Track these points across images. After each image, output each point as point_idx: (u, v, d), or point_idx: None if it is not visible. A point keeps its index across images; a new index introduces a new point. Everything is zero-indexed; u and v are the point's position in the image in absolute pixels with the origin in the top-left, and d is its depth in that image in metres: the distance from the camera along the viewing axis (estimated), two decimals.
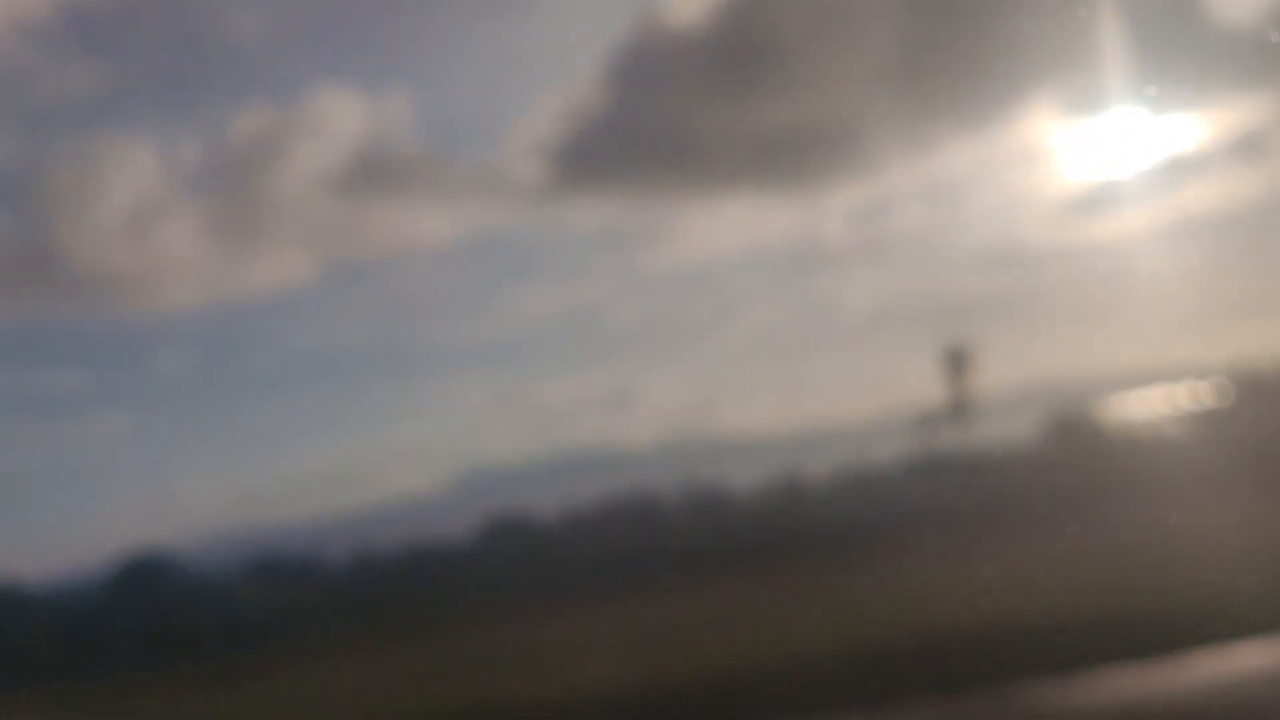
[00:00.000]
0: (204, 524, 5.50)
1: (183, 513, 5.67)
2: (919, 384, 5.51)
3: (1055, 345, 5.18)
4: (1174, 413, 5.24)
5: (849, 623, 4.64)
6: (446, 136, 6.38)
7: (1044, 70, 5.14)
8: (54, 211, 6.08)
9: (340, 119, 6.22)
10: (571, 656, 4.61)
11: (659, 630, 4.77)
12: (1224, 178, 5.51)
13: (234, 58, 6.04)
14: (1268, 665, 3.90)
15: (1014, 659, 4.07)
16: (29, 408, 5.86)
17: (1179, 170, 5.28)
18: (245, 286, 6.20)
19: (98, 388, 6.06)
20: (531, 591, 5.11)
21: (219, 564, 5.44)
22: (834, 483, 5.45)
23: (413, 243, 6.36)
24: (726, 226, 6.03)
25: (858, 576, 4.93)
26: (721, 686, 4.28)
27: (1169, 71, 4.97)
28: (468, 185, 6.36)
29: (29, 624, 5.30)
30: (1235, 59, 5.13)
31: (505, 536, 5.49)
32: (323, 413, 6.04)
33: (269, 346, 6.33)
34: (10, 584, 5.31)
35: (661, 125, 5.94)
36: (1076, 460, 5.29)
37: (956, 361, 5.20)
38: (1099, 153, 5.21)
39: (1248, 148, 5.59)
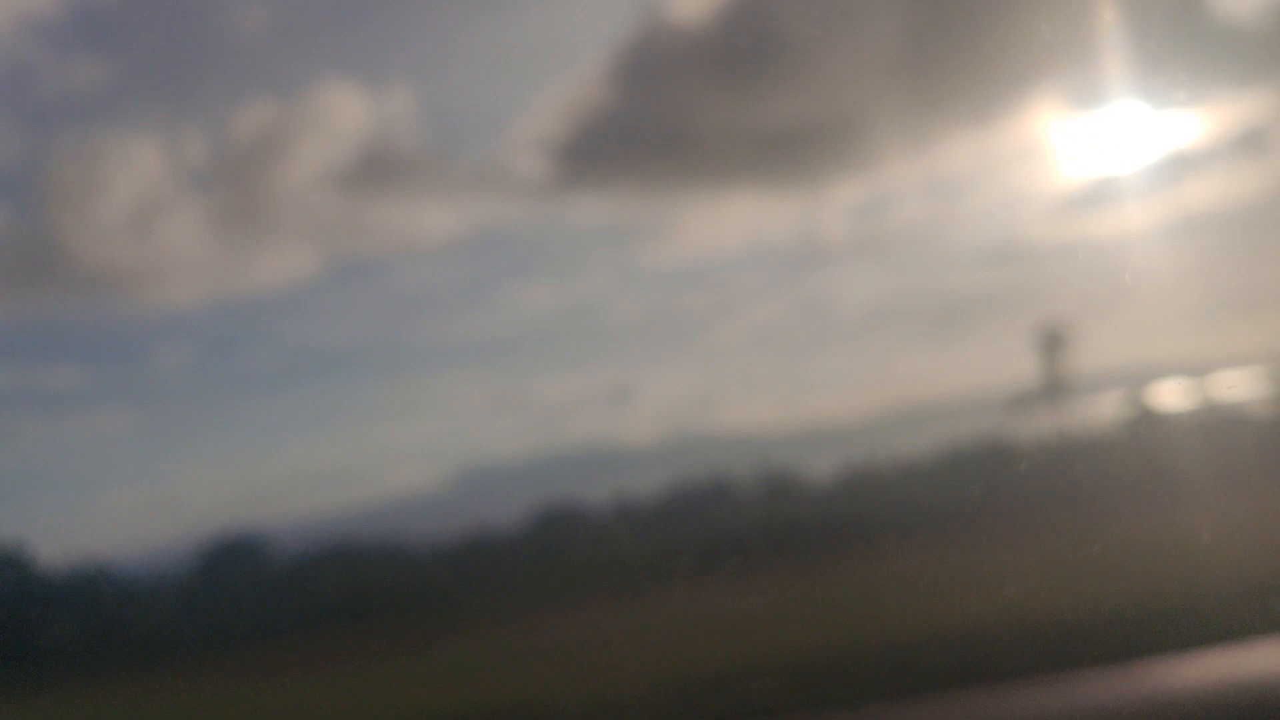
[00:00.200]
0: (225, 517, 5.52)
1: (188, 510, 5.68)
2: (919, 381, 5.51)
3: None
4: (1180, 408, 5.23)
5: (901, 613, 4.62)
6: (450, 132, 6.37)
7: (1045, 66, 5.12)
8: (55, 207, 6.08)
9: (343, 114, 6.21)
10: (627, 648, 4.63)
11: (711, 621, 4.78)
12: (1226, 174, 5.48)
13: (235, 52, 6.03)
14: None
15: (1034, 656, 4.06)
16: (30, 403, 5.86)
17: (1181, 166, 5.26)
18: (247, 282, 6.20)
19: (99, 383, 6.06)
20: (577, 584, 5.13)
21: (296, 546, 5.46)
22: (887, 472, 5.42)
23: (415, 238, 6.35)
24: (728, 223, 6.02)
25: (912, 566, 4.88)
26: (750, 682, 4.28)
27: (1170, 67, 4.94)
28: (470, 181, 6.35)
29: (124, 606, 5.32)
30: (1237, 54, 5.11)
31: (557, 526, 5.49)
32: (321, 409, 6.04)
33: (269, 342, 6.32)
34: (99, 566, 5.33)
35: (664, 121, 5.93)
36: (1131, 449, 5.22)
37: (1052, 342, 5.16)
38: (1100, 149, 5.19)
39: (1250, 143, 5.56)
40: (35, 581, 5.19)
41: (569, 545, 5.40)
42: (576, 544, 5.39)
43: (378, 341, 6.10)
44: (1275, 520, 4.38)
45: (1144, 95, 4.95)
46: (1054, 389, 5.16)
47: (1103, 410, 5.35)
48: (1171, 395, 5.13)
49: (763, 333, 5.94)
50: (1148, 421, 5.30)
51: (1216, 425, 5.13)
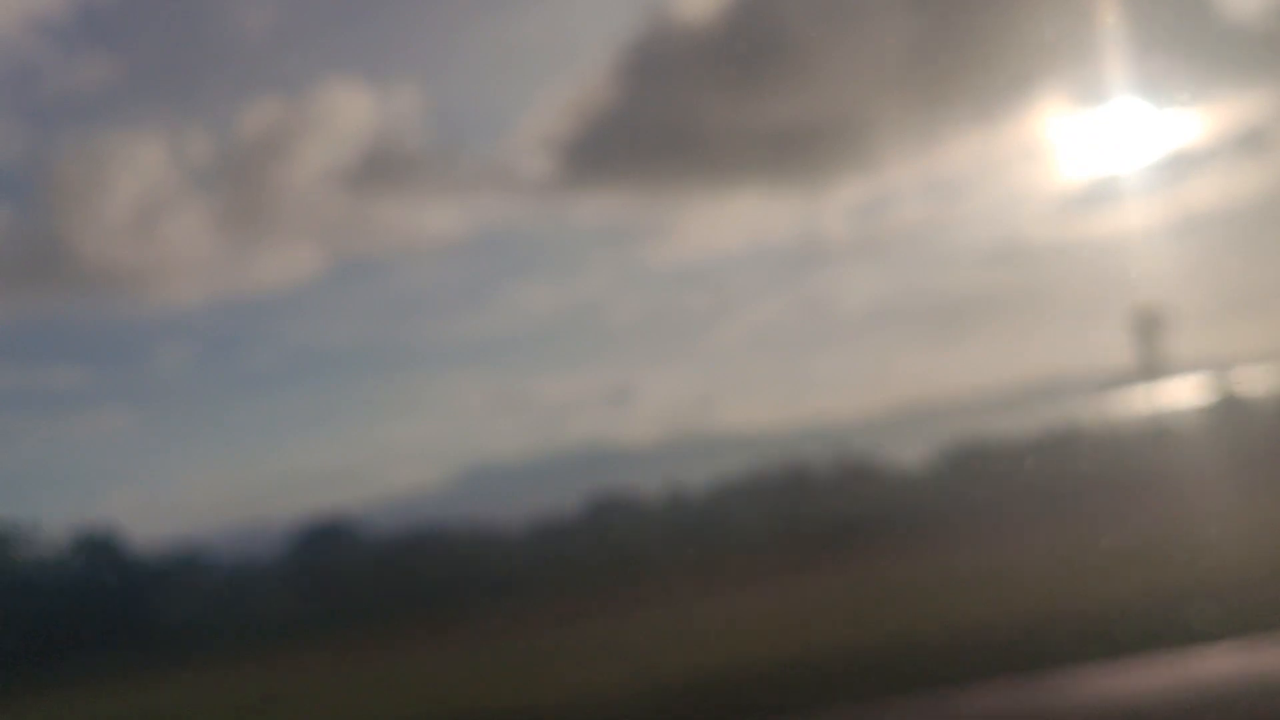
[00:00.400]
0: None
1: (195, 506, 5.69)
2: (920, 381, 5.51)
3: (1056, 341, 5.16)
4: (1183, 407, 5.23)
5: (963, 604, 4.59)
6: (454, 131, 6.38)
7: (1046, 67, 5.11)
8: (59, 206, 6.10)
9: (347, 113, 6.22)
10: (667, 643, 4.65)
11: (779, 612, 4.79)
12: (1228, 173, 5.48)
13: (239, 51, 6.05)
14: None
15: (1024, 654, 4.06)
16: (33, 402, 5.88)
17: (1182, 165, 5.25)
18: (250, 281, 6.21)
19: (102, 382, 6.07)
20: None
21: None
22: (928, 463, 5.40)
23: (417, 237, 6.36)
24: (729, 222, 6.02)
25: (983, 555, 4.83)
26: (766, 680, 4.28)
27: (1171, 67, 4.94)
28: (474, 180, 6.36)
29: (223, 590, 5.36)
30: (1238, 55, 5.10)
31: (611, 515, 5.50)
32: (323, 408, 6.05)
33: (271, 341, 6.34)
34: (191, 551, 5.36)
35: (667, 121, 5.94)
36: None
37: (1147, 325, 5.13)
38: (1101, 149, 5.19)
39: (1252, 142, 5.56)
40: (133, 566, 5.24)
41: (627, 536, 5.40)
42: (631, 534, 5.39)
43: (379, 341, 6.12)
44: (1274, 520, 4.37)
45: (1145, 95, 4.94)
46: (1149, 372, 5.12)
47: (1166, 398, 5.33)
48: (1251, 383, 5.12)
49: (763, 332, 5.95)
50: (1228, 408, 5.27)
51: (1230, 420, 5.15)
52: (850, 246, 6.00)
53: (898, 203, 5.93)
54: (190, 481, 5.69)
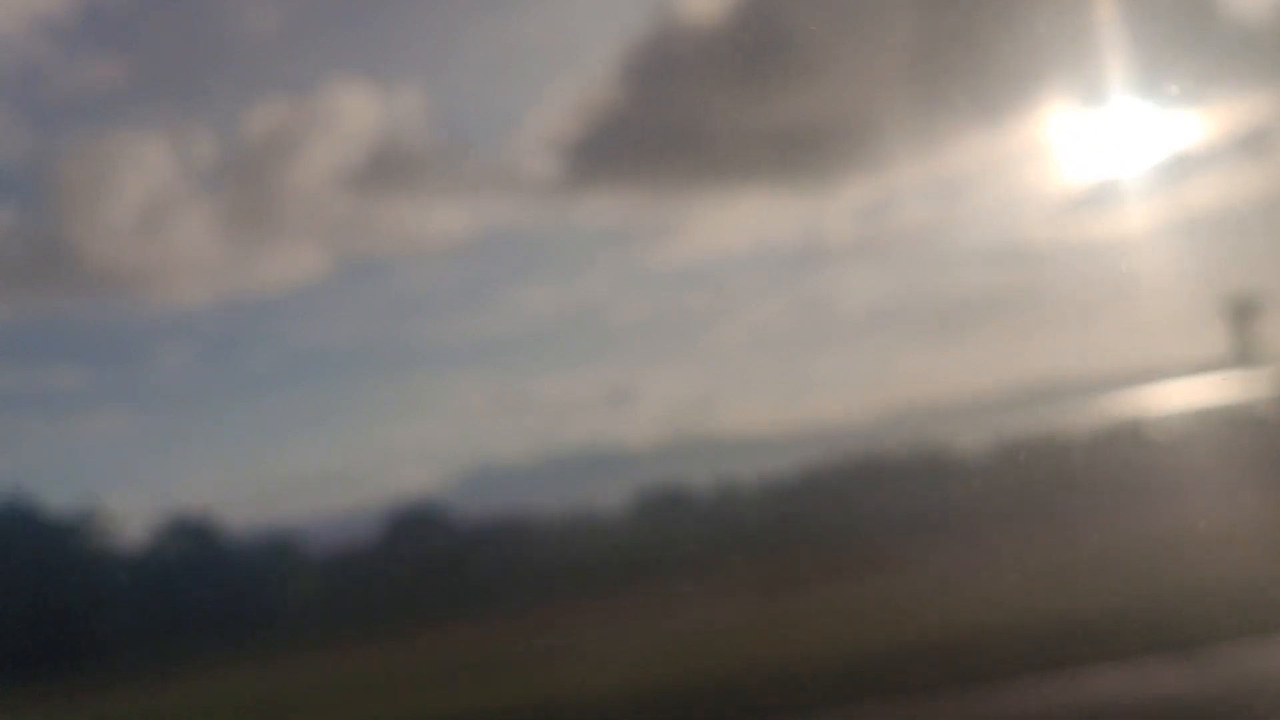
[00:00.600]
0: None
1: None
2: (921, 381, 5.49)
3: (1058, 342, 5.15)
4: (1188, 409, 5.21)
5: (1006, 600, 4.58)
6: (458, 132, 6.39)
7: (1049, 67, 5.11)
8: (62, 206, 6.11)
9: (352, 114, 6.23)
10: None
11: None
12: (1230, 174, 5.47)
13: (243, 52, 6.06)
14: None
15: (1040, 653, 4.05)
16: (35, 402, 5.88)
17: (1184, 167, 5.25)
18: (253, 282, 6.21)
19: (104, 383, 6.08)
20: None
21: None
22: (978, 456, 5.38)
23: (420, 238, 6.36)
24: (732, 223, 6.02)
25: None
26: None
27: (1173, 68, 4.93)
28: (478, 181, 6.36)
29: (316, 576, 5.37)
30: (1239, 56, 5.09)
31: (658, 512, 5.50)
32: (324, 409, 6.05)
33: (273, 342, 6.34)
34: (284, 535, 5.38)
35: (671, 122, 5.93)
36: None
37: (1243, 311, 5.09)
38: (1103, 150, 5.18)
39: (1254, 144, 5.54)
40: (226, 550, 5.24)
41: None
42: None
43: (381, 341, 6.12)
44: (1274, 519, 4.36)
45: (1147, 97, 4.94)
46: (1245, 358, 5.07)
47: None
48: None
49: (765, 333, 5.94)
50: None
51: (1223, 424, 5.12)
52: (853, 247, 5.99)
53: (901, 204, 5.92)
54: (190, 481, 5.70)
